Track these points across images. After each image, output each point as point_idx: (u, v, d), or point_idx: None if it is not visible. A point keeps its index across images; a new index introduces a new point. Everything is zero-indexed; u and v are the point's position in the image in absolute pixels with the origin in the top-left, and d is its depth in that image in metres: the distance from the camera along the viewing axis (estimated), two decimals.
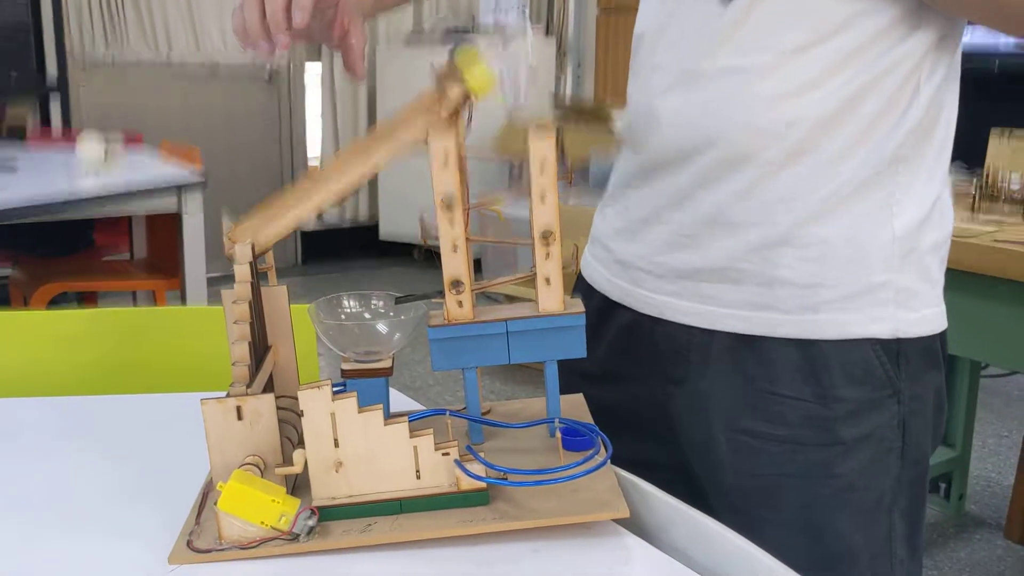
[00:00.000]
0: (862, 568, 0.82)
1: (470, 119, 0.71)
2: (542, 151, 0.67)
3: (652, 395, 0.90)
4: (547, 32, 5.32)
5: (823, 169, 0.78)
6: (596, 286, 0.95)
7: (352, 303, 0.77)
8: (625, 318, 0.91)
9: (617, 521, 0.66)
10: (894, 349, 0.80)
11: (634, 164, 0.89)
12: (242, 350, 0.66)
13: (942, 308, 0.84)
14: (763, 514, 0.82)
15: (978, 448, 2.89)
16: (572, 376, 0.92)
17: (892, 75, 0.77)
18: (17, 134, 3.68)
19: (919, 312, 0.81)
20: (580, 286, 0.98)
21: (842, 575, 0.78)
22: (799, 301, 0.80)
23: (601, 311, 0.92)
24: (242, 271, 0.69)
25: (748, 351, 0.82)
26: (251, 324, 0.68)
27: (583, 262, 0.99)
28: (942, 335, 0.85)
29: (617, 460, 0.70)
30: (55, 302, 2.77)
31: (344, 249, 5.23)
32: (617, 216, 0.92)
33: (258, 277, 0.72)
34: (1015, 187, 1.75)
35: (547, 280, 0.69)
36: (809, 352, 0.80)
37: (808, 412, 0.80)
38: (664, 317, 0.87)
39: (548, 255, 0.69)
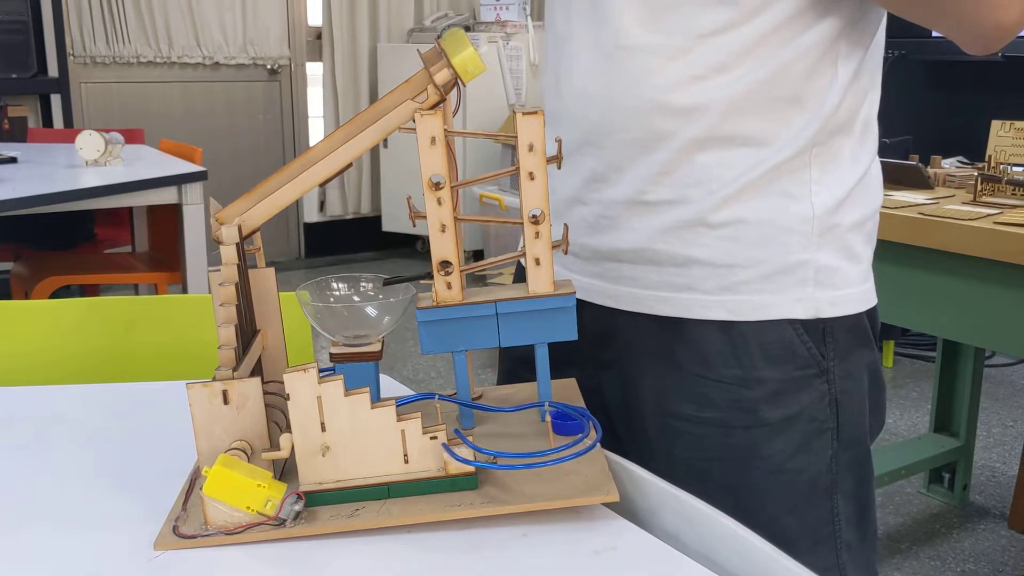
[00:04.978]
0: (803, 553, 0.81)
1: (458, 102, 0.70)
2: (530, 131, 0.66)
3: (586, 380, 0.89)
4: None
5: (739, 152, 0.77)
6: None
7: (341, 286, 0.76)
8: None
9: (607, 505, 0.66)
10: (819, 328, 0.80)
11: (556, 144, 0.88)
12: (228, 333, 0.66)
13: (869, 285, 0.84)
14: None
15: (982, 438, 2.88)
16: (514, 363, 0.90)
17: (804, 60, 0.76)
18: (18, 134, 3.68)
19: (842, 290, 0.81)
20: (519, 269, 0.97)
21: None
22: (717, 282, 0.79)
23: None
24: (228, 252, 0.68)
25: (674, 334, 0.81)
26: (238, 307, 0.67)
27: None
28: (871, 312, 0.84)
29: None
30: (57, 296, 2.77)
31: (347, 241, 5.24)
32: None
33: (245, 259, 0.71)
34: (1018, 169, 1.74)
35: (536, 261, 0.69)
36: (731, 333, 0.79)
37: (733, 394, 0.80)
38: (589, 300, 0.86)
39: (537, 235, 0.68)
